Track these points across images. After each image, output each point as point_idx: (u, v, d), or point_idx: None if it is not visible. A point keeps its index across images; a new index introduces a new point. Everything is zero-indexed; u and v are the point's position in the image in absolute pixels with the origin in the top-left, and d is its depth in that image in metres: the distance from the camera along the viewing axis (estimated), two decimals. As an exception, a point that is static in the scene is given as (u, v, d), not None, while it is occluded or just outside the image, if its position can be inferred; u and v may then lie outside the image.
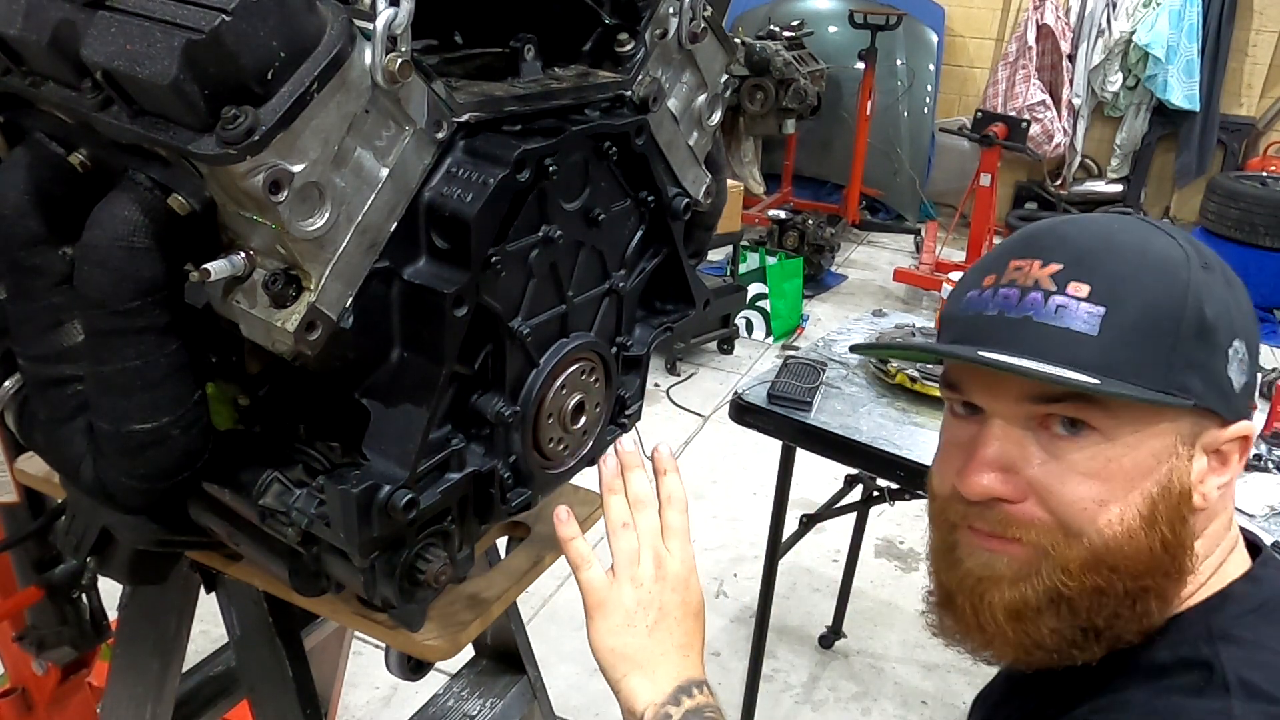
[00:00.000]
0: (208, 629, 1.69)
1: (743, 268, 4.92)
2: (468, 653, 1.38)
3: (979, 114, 5.33)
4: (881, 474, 2.11)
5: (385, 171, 0.76)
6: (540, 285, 0.92)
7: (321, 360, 0.78)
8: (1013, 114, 5.92)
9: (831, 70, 6.14)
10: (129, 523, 0.94)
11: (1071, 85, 6.51)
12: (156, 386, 0.79)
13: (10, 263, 0.84)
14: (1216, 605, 0.73)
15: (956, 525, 0.77)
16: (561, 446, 1.02)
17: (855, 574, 2.82)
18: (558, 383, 0.97)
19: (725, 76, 1.10)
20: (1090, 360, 0.69)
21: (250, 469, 0.88)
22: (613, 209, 0.98)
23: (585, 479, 1.12)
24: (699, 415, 4.17)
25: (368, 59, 0.72)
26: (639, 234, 1.04)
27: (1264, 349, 3.66)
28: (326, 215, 0.73)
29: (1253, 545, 0.80)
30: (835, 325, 3.12)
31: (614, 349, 1.07)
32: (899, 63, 6.52)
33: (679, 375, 4.51)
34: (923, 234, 6.05)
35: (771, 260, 4.98)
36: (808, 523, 2.44)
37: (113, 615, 1.41)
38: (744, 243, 4.93)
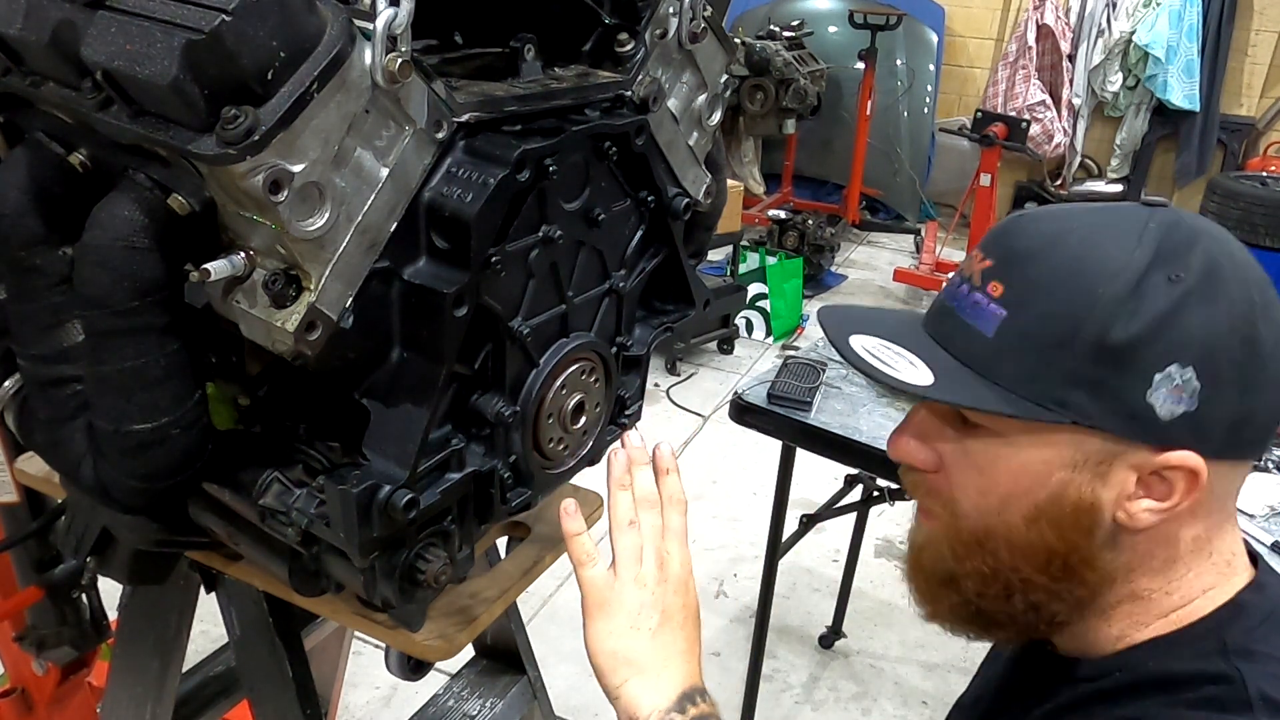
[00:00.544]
0: (208, 629, 1.69)
1: (743, 268, 4.92)
2: (468, 653, 1.38)
3: (979, 114, 5.34)
4: (881, 474, 2.11)
5: (385, 171, 0.76)
6: (540, 285, 0.92)
7: (321, 360, 0.78)
8: (1013, 114, 5.92)
9: (831, 70, 6.14)
10: (129, 523, 0.94)
11: (1071, 85, 6.51)
12: (156, 386, 0.79)
13: (10, 263, 0.84)
14: (1227, 617, 0.73)
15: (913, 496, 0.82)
16: (561, 446, 1.02)
17: (855, 574, 2.82)
18: (558, 383, 0.97)
19: (725, 76, 1.10)
20: (978, 359, 0.71)
21: (250, 469, 0.88)
22: (613, 209, 0.98)
23: (584, 479, 1.12)
24: (699, 415, 4.17)
25: (368, 59, 0.72)
26: (639, 234, 1.04)
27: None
28: (326, 215, 0.73)
29: (1250, 553, 0.80)
30: (835, 325, 3.11)
31: (614, 349, 1.07)
32: (899, 63, 6.52)
33: (679, 375, 4.51)
34: (923, 234, 6.05)
35: (771, 260, 4.98)
36: (808, 523, 2.44)
37: (113, 615, 1.41)
38: (744, 243, 4.93)
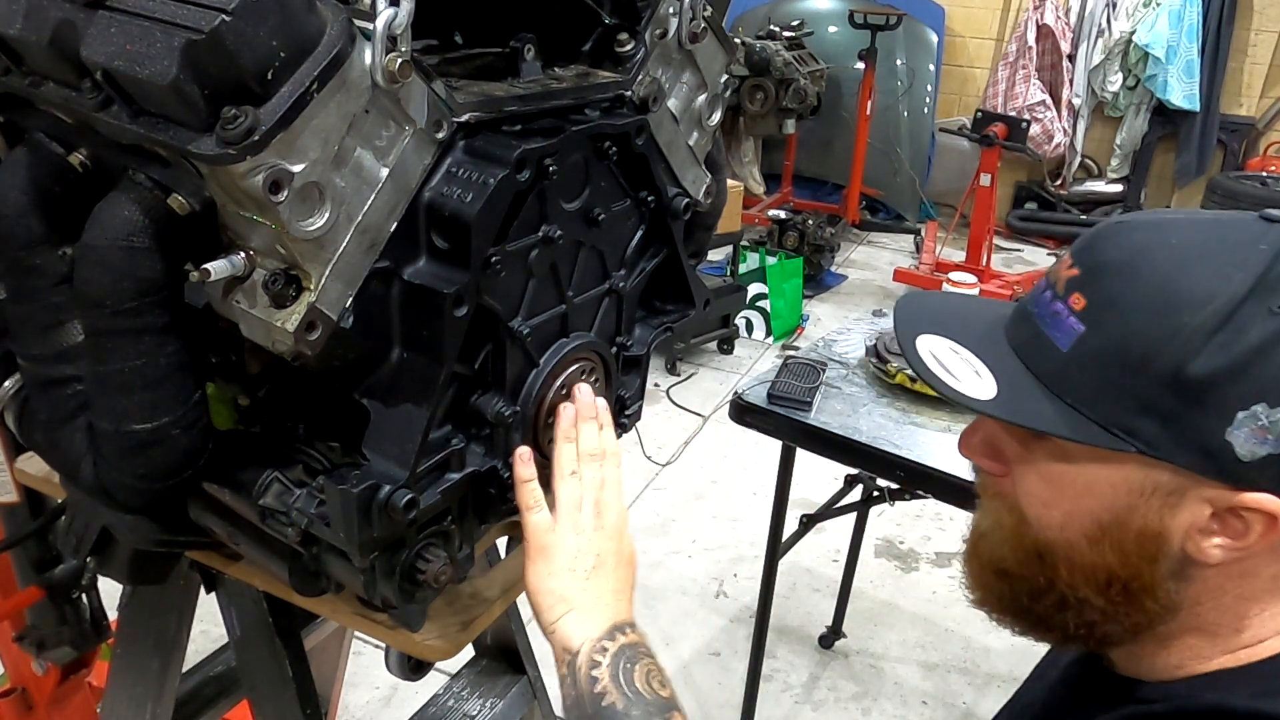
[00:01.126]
0: (208, 629, 1.69)
1: (743, 268, 4.92)
2: (468, 653, 1.38)
3: (979, 114, 5.34)
4: (881, 474, 2.11)
5: (385, 171, 0.76)
6: (540, 285, 0.92)
7: (321, 360, 0.78)
8: (1013, 114, 5.93)
9: (831, 70, 6.15)
10: (129, 523, 0.94)
11: (1071, 85, 6.51)
12: (156, 386, 0.79)
13: (10, 263, 0.84)
14: None
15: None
16: (561, 446, 1.02)
17: (855, 574, 2.82)
18: (558, 383, 0.97)
19: (725, 76, 1.10)
20: (1049, 374, 0.69)
21: (250, 469, 0.88)
22: (613, 209, 0.98)
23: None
24: (699, 415, 4.17)
25: (368, 59, 0.72)
26: (639, 234, 1.04)
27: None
28: (326, 215, 0.73)
29: None
30: (835, 325, 3.12)
31: (614, 349, 1.07)
32: (899, 63, 6.53)
33: (679, 375, 4.51)
34: (923, 234, 6.05)
35: (771, 260, 4.98)
36: (808, 523, 2.44)
37: (113, 615, 1.41)
38: (744, 243, 4.93)
